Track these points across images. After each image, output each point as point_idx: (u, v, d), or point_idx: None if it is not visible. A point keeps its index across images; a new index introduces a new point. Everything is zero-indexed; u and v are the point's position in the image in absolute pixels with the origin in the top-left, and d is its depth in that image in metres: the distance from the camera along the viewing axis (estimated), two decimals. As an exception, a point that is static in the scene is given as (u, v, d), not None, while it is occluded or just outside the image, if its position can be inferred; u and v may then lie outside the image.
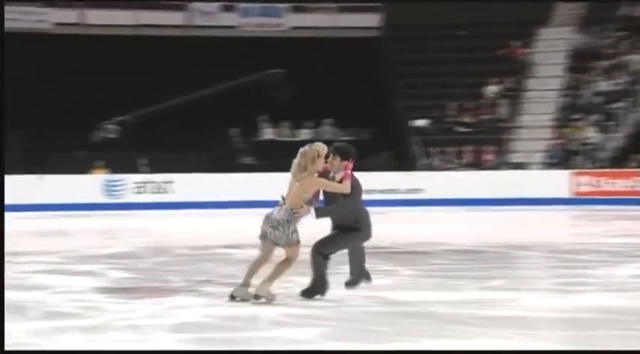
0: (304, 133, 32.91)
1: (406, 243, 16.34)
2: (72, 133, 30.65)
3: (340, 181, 9.39)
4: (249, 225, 21.94)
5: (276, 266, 9.22)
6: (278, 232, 9.10)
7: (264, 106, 32.84)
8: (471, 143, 32.88)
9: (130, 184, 28.39)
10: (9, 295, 9.66)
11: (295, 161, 9.31)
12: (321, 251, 9.29)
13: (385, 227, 21.27)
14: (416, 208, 27.17)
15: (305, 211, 9.18)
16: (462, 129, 34.03)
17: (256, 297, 9.07)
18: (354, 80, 34.25)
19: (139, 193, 28.44)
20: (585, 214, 25.32)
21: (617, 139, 32.44)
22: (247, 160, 31.83)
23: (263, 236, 9.28)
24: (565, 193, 29.35)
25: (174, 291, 10.16)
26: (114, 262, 12.98)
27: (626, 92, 33.70)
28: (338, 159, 9.45)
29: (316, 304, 9.17)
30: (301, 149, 9.35)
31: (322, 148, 9.42)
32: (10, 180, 26.83)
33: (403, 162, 32.24)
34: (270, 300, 9.03)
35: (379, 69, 35.93)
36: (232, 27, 37.04)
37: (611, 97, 33.91)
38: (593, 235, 19.25)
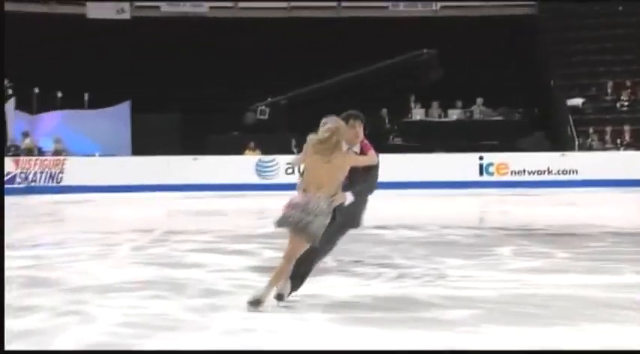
0: (454, 114, 32.70)
1: (560, 225, 16.07)
2: (226, 116, 31.11)
3: (362, 153, 8.34)
4: (398, 206, 22.08)
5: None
6: (318, 221, 7.82)
7: (414, 87, 32.73)
8: (629, 122, 32.06)
9: (282, 165, 28.61)
10: (167, 272, 9.90)
11: (320, 138, 7.87)
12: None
13: (538, 209, 21.12)
14: (570, 189, 26.72)
15: (342, 198, 8.08)
16: (620, 108, 33.25)
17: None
18: (506, 59, 33.88)
19: (291, 173, 28.62)
20: None
21: None
22: (396, 140, 31.80)
23: (294, 225, 7.86)
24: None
25: (326, 271, 10.19)
26: (267, 242, 13.09)
27: None
28: (362, 126, 8.30)
29: (470, 285, 9.10)
30: (329, 125, 7.86)
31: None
32: (167, 160, 27.69)
33: (557, 142, 31.72)
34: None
35: (533, 47, 35.42)
36: (384, 7, 37.02)
37: None
38: None
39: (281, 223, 7.90)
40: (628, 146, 31.06)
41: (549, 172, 28.31)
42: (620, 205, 22.13)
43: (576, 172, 28.46)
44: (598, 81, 33.79)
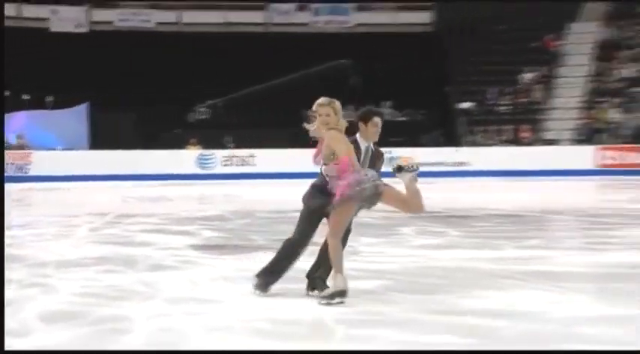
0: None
1: (454, 208, 16.22)
2: (171, 115, 31.04)
3: None
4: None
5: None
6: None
7: (332, 92, 32.78)
8: (510, 123, 32.65)
9: (220, 158, 28.66)
10: (119, 251, 9.78)
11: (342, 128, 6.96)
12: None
13: (436, 194, 21.23)
14: (462, 178, 27.05)
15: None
16: (502, 110, 33.81)
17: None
18: (410, 69, 34.09)
19: (227, 165, 28.65)
20: (609, 184, 25.00)
21: (638, 119, 31.99)
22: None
23: (372, 195, 6.76)
24: (591, 166, 29.06)
25: (257, 248, 10.18)
26: (206, 224, 13.05)
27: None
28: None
29: (380, 260, 9.14)
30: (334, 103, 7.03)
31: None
32: (119, 155, 27.48)
33: (451, 139, 32.10)
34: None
35: (432, 59, 35.68)
36: (305, 24, 37.02)
37: (633, 82, 33.48)
38: (615, 201, 18.99)
39: (362, 199, 6.72)
40: (508, 142, 31.59)
41: (445, 164, 28.60)
42: (503, 191, 22.41)
43: (467, 164, 28.84)
44: (484, 88, 34.22)
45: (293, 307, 6.61)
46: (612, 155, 29.64)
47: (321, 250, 7.09)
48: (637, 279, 7.98)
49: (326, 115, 6.90)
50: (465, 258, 9.31)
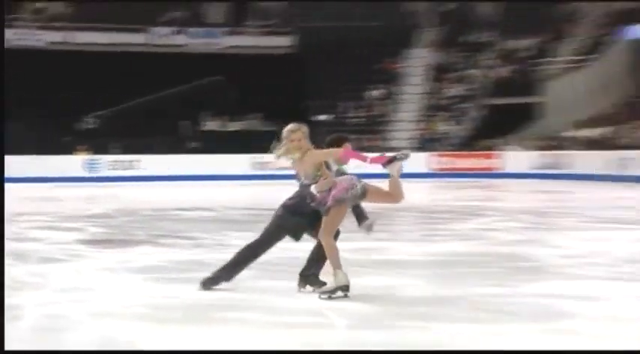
0: (237, 125, 32.94)
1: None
2: (63, 124, 30.30)
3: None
4: (194, 193, 21.80)
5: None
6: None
7: (207, 104, 32.68)
8: (360, 133, 33.06)
9: (106, 163, 28.12)
10: (12, 246, 9.41)
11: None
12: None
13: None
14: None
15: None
16: (354, 122, 34.25)
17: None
18: (275, 85, 34.10)
19: (113, 169, 28.11)
20: (441, 185, 25.62)
21: (465, 130, 32.96)
22: (194, 144, 31.57)
23: (360, 196, 6.56)
24: (426, 170, 29.68)
25: (139, 242, 9.97)
26: (93, 221, 12.72)
27: (470, 96, 34.30)
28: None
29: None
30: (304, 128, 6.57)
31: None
32: (14, 159, 26.50)
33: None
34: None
35: (294, 77, 35.78)
36: (182, 46, 36.62)
37: (460, 99, 34.45)
38: (446, 199, 19.48)
39: (353, 199, 6.49)
40: (361, 150, 31.93)
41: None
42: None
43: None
44: (338, 103, 34.59)
45: (170, 293, 6.49)
46: (443, 161, 30.42)
47: (314, 248, 6.69)
48: (462, 264, 8.16)
49: (298, 140, 6.43)
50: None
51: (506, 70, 35.43)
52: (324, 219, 6.34)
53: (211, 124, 33.22)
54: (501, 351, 4.70)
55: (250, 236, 10.45)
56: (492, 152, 30.76)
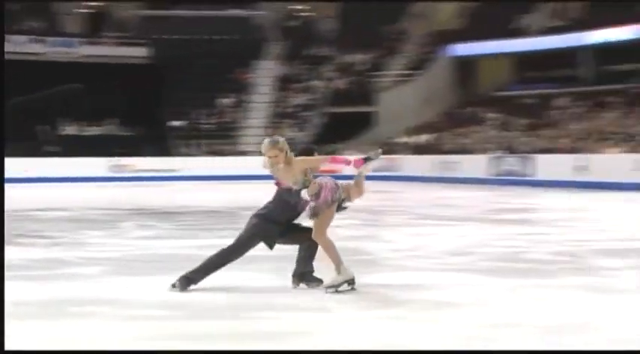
0: (95, 130, 31.97)
1: (166, 206, 16.01)
2: None
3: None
4: (54, 195, 20.96)
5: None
6: None
7: (65, 110, 31.52)
8: (212, 138, 32.88)
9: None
10: None
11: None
12: None
13: (152, 196, 20.91)
14: (173, 182, 26.82)
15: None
16: (206, 128, 33.96)
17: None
18: (133, 93, 33.30)
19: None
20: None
21: (308, 136, 33.30)
22: (52, 148, 30.37)
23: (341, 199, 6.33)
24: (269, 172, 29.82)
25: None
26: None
27: (312, 105, 34.74)
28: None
29: (103, 249, 8.78)
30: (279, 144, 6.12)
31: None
32: None
33: (165, 150, 31.72)
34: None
35: (151, 85, 35.05)
36: (40, 54, 35.10)
37: (303, 107, 34.82)
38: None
39: (339, 200, 6.25)
40: (211, 153, 31.78)
41: (158, 171, 28.27)
42: (205, 192, 22.38)
43: (178, 170, 28.74)
44: (192, 110, 34.18)
45: (28, 290, 6.16)
46: (289, 163, 30.63)
47: (300, 249, 6.35)
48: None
49: (274, 156, 6.03)
50: (175, 246, 9.18)
51: (344, 82, 36.12)
52: (315, 222, 6.10)
53: (70, 129, 32.09)
54: (503, 351, 4.53)
55: (107, 235, 10.21)
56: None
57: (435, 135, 31.18)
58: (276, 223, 6.21)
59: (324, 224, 6.12)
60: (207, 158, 30.70)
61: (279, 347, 4.52)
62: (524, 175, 23.21)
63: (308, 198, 6.10)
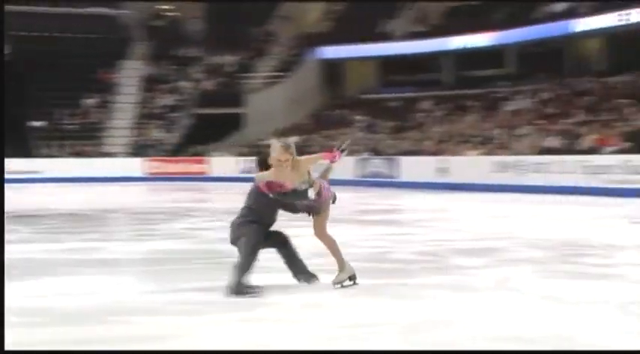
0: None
1: (26, 209, 15.37)
2: None
3: None
4: None
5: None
6: None
7: None
8: (76, 139, 31.86)
9: None
10: None
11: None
12: None
13: (17, 198, 20.03)
14: (35, 184, 25.81)
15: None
16: (70, 128, 32.89)
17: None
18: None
19: None
20: (155, 188, 25.35)
21: (175, 137, 32.90)
22: None
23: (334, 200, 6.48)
24: (140, 174, 29.31)
25: None
26: None
27: (180, 106, 34.31)
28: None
29: None
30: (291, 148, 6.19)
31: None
32: None
33: (25, 151, 30.47)
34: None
35: (9, 84, 33.52)
36: None
37: (171, 108, 34.34)
38: (160, 201, 19.27)
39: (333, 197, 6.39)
40: (75, 155, 30.83)
41: (19, 173, 27.11)
42: (70, 194, 21.69)
43: (40, 172, 27.73)
44: (54, 110, 33.00)
45: None
46: (156, 165, 30.13)
47: (283, 255, 6.42)
48: (172, 262, 8.09)
49: (285, 160, 6.06)
50: (34, 250, 8.82)
51: (212, 83, 35.88)
52: (316, 220, 6.24)
53: None
54: (505, 351, 4.52)
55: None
56: (201, 158, 30.97)
57: (303, 137, 31.47)
58: (259, 224, 6.21)
59: (324, 222, 6.27)
60: (71, 159, 29.75)
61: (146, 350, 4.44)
62: (390, 177, 23.80)
63: (313, 197, 6.18)
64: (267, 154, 6.20)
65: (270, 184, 6.16)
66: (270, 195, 6.15)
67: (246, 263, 6.09)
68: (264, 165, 6.33)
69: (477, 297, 5.96)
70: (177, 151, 31.84)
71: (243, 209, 6.27)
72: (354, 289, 6.26)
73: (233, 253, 8.57)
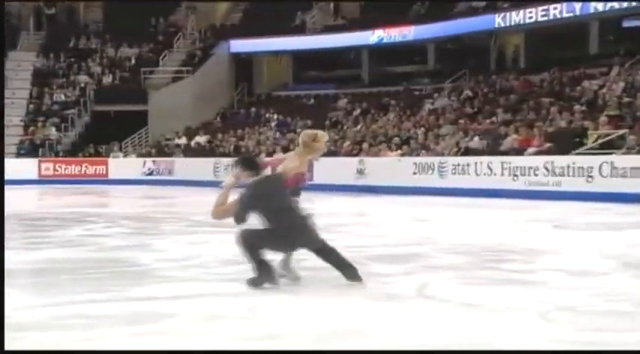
0: None
1: None
2: None
3: None
4: None
5: None
6: None
7: None
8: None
9: None
10: None
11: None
12: None
13: None
14: None
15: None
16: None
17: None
18: None
19: None
20: (49, 192, 24.75)
21: (71, 136, 32.24)
22: None
23: None
24: (34, 176, 28.61)
25: None
26: None
27: (76, 102, 33.59)
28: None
29: None
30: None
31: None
32: None
33: None
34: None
35: None
36: None
37: (66, 105, 33.61)
38: (52, 206, 18.84)
39: None
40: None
41: None
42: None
43: None
44: None
45: None
46: (51, 167, 29.46)
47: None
48: (66, 272, 7.90)
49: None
50: None
51: (112, 78, 35.28)
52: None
53: None
54: (510, 351, 4.61)
55: None
56: (100, 159, 30.45)
57: (209, 136, 31.29)
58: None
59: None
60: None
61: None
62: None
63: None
64: (250, 155, 6.44)
65: (298, 176, 6.50)
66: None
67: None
68: (253, 166, 6.36)
69: (394, 306, 6.03)
70: (75, 151, 31.17)
71: (279, 214, 6.32)
72: (261, 299, 6.25)
73: (133, 262, 8.46)
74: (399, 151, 23.23)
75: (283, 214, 6.32)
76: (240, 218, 6.44)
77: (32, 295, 6.60)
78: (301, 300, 6.27)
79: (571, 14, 26.97)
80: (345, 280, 6.72)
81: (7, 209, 8.06)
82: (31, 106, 33.35)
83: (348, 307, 6.00)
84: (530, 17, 28.05)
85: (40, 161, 29.42)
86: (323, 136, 6.98)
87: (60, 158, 30.25)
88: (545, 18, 27.63)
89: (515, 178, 18.92)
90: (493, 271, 7.80)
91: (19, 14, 36.75)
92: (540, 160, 18.65)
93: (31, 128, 32.17)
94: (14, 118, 32.64)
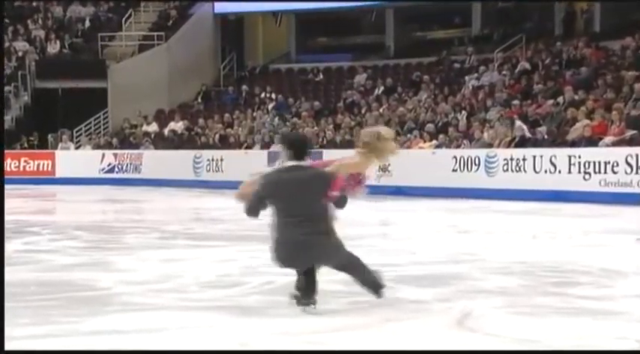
0: None
1: None
2: None
3: None
4: None
5: None
6: None
7: None
8: None
9: None
10: None
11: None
12: None
13: None
14: None
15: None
16: None
17: None
18: None
19: None
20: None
21: (6, 121, 32.27)
22: None
23: None
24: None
25: None
26: None
27: (12, 77, 33.55)
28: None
29: None
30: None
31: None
32: None
33: None
34: None
35: None
36: None
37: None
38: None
39: None
40: None
41: None
42: None
43: None
44: None
45: None
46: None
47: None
48: None
49: None
50: None
51: (60, 45, 35.30)
52: None
53: None
54: (504, 351, 5.00)
55: None
56: (44, 151, 30.52)
57: (190, 122, 31.35)
58: None
59: None
60: None
61: None
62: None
63: None
64: (300, 135, 6.69)
65: (354, 178, 7.17)
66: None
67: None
68: (303, 151, 6.68)
69: (427, 341, 6.06)
70: (11, 141, 31.26)
71: (316, 223, 6.64)
72: (255, 332, 6.30)
73: (89, 285, 8.50)
74: (434, 142, 23.25)
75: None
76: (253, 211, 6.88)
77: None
78: (305, 332, 6.30)
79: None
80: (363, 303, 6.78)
81: None
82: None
83: (366, 343, 6.02)
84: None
85: (-35, 154, 29.61)
86: (388, 133, 7.25)
87: (-8, 150, 30.42)
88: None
89: (587, 176, 18.89)
90: (557, 298, 7.80)
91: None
92: (621, 153, 18.60)
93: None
94: None
